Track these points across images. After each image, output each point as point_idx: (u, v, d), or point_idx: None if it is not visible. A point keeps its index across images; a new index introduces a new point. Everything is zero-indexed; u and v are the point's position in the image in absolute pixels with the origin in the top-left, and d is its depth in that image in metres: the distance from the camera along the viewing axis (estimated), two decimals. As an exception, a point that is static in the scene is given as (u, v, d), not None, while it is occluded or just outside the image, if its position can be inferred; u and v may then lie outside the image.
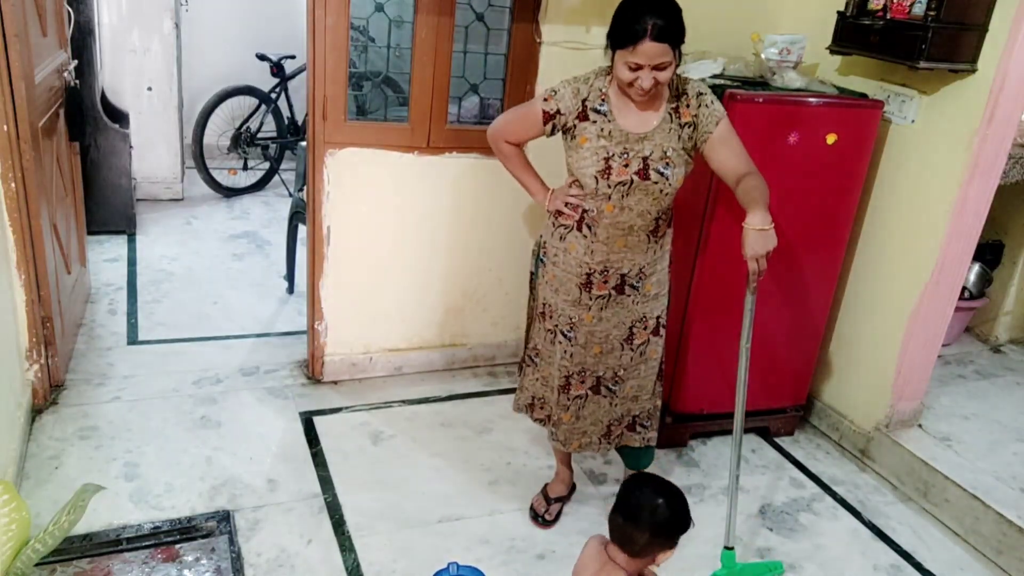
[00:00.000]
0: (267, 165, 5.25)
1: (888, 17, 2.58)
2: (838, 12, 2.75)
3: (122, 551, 2.16)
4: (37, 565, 1.69)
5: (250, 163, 5.24)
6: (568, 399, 2.31)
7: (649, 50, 1.88)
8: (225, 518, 2.33)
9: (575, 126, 2.08)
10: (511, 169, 2.31)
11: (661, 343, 2.31)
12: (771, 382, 2.99)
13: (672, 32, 1.90)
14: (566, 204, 2.16)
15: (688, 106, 2.08)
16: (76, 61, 3.42)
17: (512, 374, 3.34)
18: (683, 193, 2.80)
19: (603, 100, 2.06)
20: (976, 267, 3.65)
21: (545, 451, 2.84)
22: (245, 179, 5.21)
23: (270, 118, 5.12)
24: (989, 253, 3.72)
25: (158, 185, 4.86)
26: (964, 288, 3.53)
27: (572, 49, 2.95)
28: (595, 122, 2.06)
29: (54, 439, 2.59)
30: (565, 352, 2.26)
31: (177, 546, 2.20)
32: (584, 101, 2.06)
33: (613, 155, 2.05)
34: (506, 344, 3.37)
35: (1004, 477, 2.70)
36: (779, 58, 2.71)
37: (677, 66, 1.97)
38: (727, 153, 2.10)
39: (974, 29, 2.47)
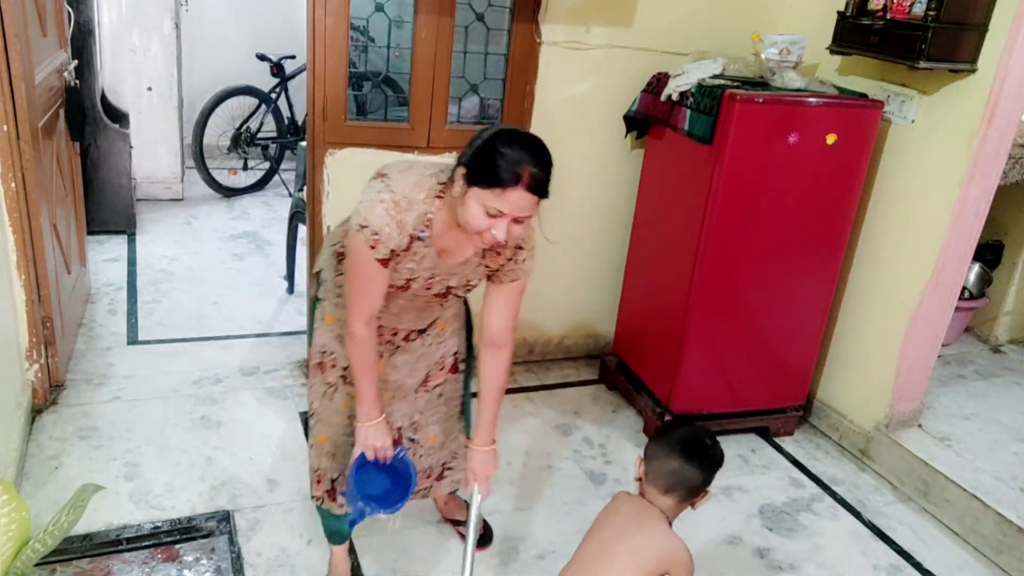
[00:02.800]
0: (267, 165, 5.25)
1: (888, 17, 2.58)
2: (838, 12, 2.75)
3: (122, 551, 2.16)
4: (37, 565, 1.69)
5: (250, 163, 5.24)
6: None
7: (519, 200, 1.60)
8: (225, 518, 2.33)
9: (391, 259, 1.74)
10: (365, 369, 1.82)
11: (461, 380, 2.11)
12: (771, 382, 2.99)
13: (546, 185, 1.66)
14: (374, 448, 1.86)
15: (499, 254, 1.82)
16: (76, 61, 3.42)
17: (512, 374, 3.33)
18: (682, 193, 2.82)
19: (426, 227, 1.73)
20: (976, 267, 3.65)
21: (545, 451, 2.85)
22: (245, 179, 5.21)
23: (270, 118, 5.12)
24: (989, 253, 3.72)
25: (158, 185, 4.86)
26: (964, 288, 3.53)
27: (572, 49, 2.95)
28: (415, 253, 1.75)
29: (54, 439, 2.59)
30: (351, 407, 1.94)
31: (177, 546, 2.20)
32: (411, 233, 1.72)
33: (418, 277, 1.79)
34: (506, 344, 3.37)
35: (1004, 477, 2.70)
36: (779, 58, 2.71)
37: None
38: (502, 305, 1.89)
39: (974, 29, 2.47)
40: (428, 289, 1.83)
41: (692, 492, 1.77)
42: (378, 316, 1.83)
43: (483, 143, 1.63)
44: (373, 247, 1.68)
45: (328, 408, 1.98)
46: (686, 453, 1.76)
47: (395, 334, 1.94)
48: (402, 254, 1.73)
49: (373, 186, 1.73)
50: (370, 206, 1.68)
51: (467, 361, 2.13)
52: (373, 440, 1.86)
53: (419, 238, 1.73)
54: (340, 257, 1.90)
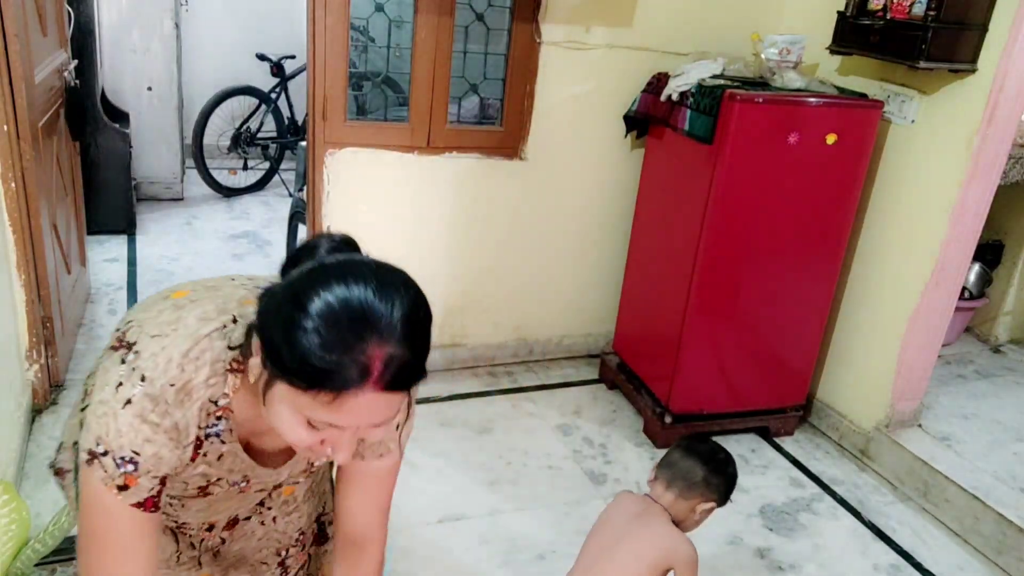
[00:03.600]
0: (267, 165, 5.25)
1: (888, 17, 2.58)
2: (838, 12, 2.75)
3: (122, 551, 2.15)
4: (37, 565, 1.69)
5: (250, 163, 5.24)
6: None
7: (368, 407, 0.95)
8: (225, 518, 2.33)
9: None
10: None
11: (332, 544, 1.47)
12: (771, 382, 2.99)
13: (417, 371, 1.01)
14: None
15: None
16: (76, 61, 3.42)
17: (512, 374, 3.34)
18: (682, 192, 2.82)
19: (219, 417, 1.08)
20: (976, 267, 3.65)
21: (545, 451, 2.85)
22: (245, 179, 5.21)
23: (270, 118, 5.12)
24: (989, 253, 3.72)
25: (158, 185, 4.86)
26: (964, 288, 3.53)
27: (572, 49, 2.95)
28: (205, 455, 1.11)
29: (54, 439, 2.59)
30: None
31: (177, 546, 2.19)
32: (200, 435, 1.07)
33: (220, 480, 1.17)
34: (506, 344, 3.37)
35: (1004, 477, 2.70)
36: (779, 58, 2.71)
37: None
38: (367, 492, 1.27)
39: (974, 29, 2.47)
40: (242, 492, 1.23)
41: (691, 487, 1.78)
42: (179, 521, 1.24)
43: (289, 303, 0.93)
44: (124, 487, 1.00)
45: None
46: (689, 446, 1.83)
47: (210, 528, 1.30)
48: (184, 468, 1.09)
49: (112, 372, 1.03)
50: (109, 416, 1.00)
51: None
52: None
53: (211, 435, 1.09)
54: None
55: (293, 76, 5.15)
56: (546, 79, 2.97)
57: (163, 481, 1.04)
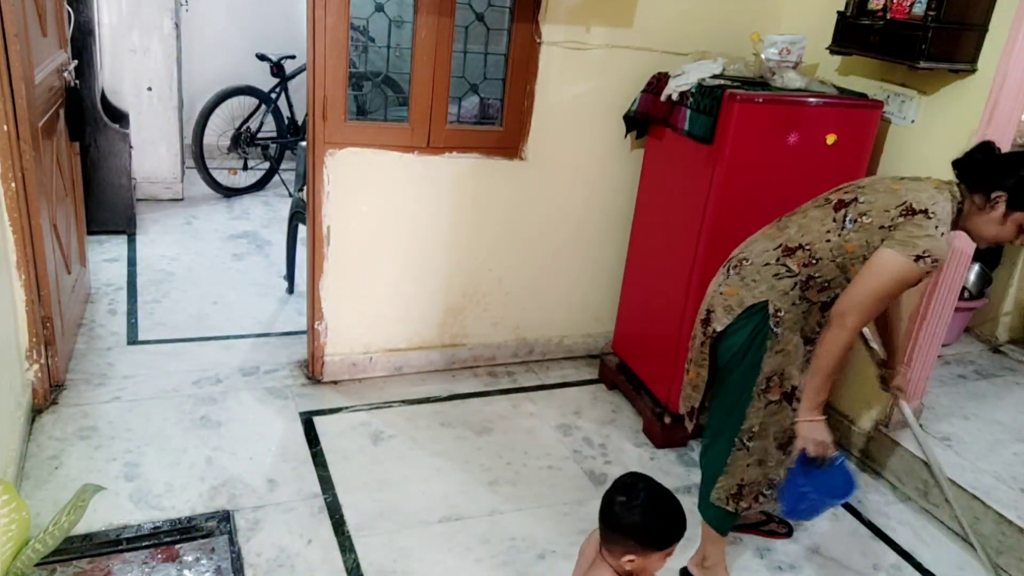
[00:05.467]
0: (267, 165, 5.25)
1: (888, 17, 2.58)
2: (838, 12, 2.75)
3: (122, 551, 2.16)
4: (37, 565, 1.69)
5: (250, 163, 5.24)
6: (783, 456, 2.19)
7: None
8: (225, 518, 2.33)
9: None
10: (837, 368, 2.03)
11: None
12: (771, 382, 2.99)
13: None
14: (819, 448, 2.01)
15: None
16: (76, 61, 3.42)
17: (512, 374, 3.34)
18: (682, 192, 2.81)
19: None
20: (976, 267, 3.65)
21: (545, 451, 2.85)
22: (245, 179, 5.21)
23: (270, 118, 5.12)
24: (989, 253, 3.72)
25: (158, 185, 4.86)
26: (964, 288, 3.53)
27: (572, 49, 2.95)
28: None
29: (54, 439, 2.59)
30: (791, 417, 2.12)
31: (177, 546, 2.20)
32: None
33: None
34: (506, 344, 3.38)
35: (1004, 477, 2.70)
36: (779, 58, 2.71)
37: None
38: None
39: (974, 29, 2.47)
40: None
41: (608, 544, 1.65)
42: (812, 326, 2.08)
43: None
44: (929, 272, 1.91)
45: (767, 423, 2.13)
46: (603, 499, 1.68)
47: (815, 330, 2.12)
48: None
49: (926, 223, 1.91)
50: (932, 240, 1.89)
51: None
52: (821, 435, 2.00)
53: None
54: (805, 286, 2.05)
55: (293, 76, 5.16)
56: (546, 79, 2.97)
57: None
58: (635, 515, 1.62)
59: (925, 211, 1.91)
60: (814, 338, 2.08)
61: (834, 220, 2.03)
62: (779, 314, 2.06)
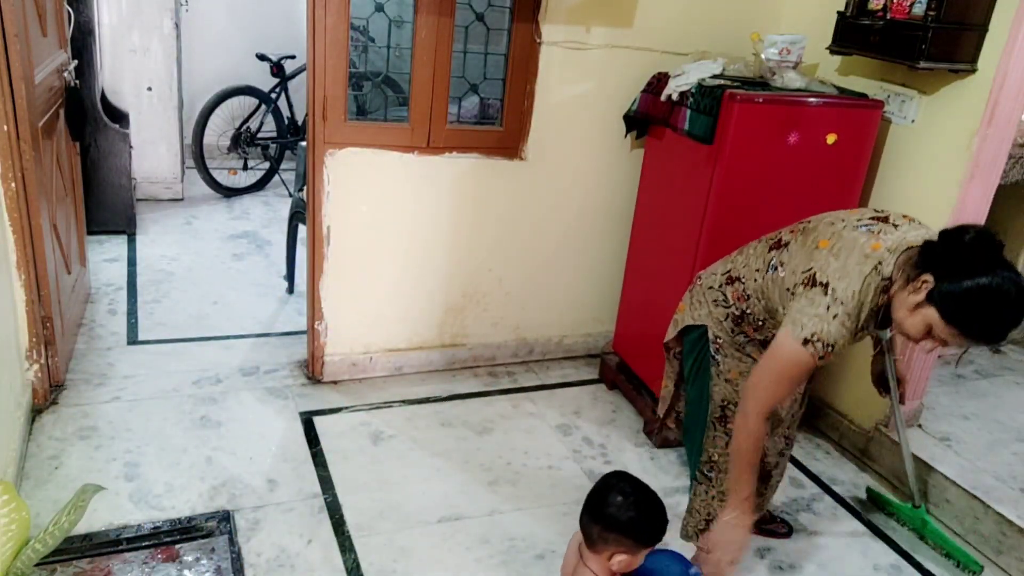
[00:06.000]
0: (267, 165, 5.25)
1: (888, 17, 2.58)
2: (838, 12, 2.75)
3: (122, 551, 2.16)
4: (37, 565, 1.69)
5: (250, 163, 5.24)
6: (766, 488, 2.16)
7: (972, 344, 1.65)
8: (225, 518, 2.33)
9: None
10: (754, 463, 1.87)
11: None
12: (771, 382, 2.99)
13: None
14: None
15: None
16: (76, 61, 3.42)
17: (512, 374, 3.34)
18: (682, 192, 2.81)
19: (873, 319, 1.76)
20: (976, 267, 3.64)
21: (545, 451, 2.85)
22: (245, 179, 5.21)
23: (270, 118, 5.12)
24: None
25: (158, 185, 4.86)
26: (964, 288, 3.52)
27: (572, 49, 2.95)
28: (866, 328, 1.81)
29: (54, 439, 2.59)
30: (765, 448, 2.06)
31: (177, 546, 2.20)
32: (860, 328, 1.75)
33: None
34: (506, 344, 3.38)
35: (1004, 477, 2.70)
36: (779, 58, 2.71)
37: None
38: None
39: (974, 29, 2.47)
40: None
41: (597, 544, 1.68)
42: None
43: (975, 288, 1.54)
44: (823, 356, 1.70)
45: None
46: (587, 499, 1.71)
47: None
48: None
49: (818, 300, 1.70)
50: (821, 322, 1.68)
51: None
52: (737, 542, 1.83)
53: (866, 329, 1.76)
54: (736, 320, 1.94)
55: (293, 76, 5.16)
56: (546, 79, 2.97)
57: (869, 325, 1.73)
58: (632, 513, 1.65)
59: (825, 285, 1.70)
60: None
61: (764, 260, 1.91)
62: (717, 340, 1.99)
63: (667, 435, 2.92)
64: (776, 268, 1.85)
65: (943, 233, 1.64)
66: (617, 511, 1.65)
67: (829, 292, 1.69)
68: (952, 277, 1.56)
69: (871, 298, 1.69)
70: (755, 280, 1.90)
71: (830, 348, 1.68)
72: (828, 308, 1.68)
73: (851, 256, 1.71)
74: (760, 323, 1.90)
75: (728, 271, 2.00)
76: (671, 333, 2.12)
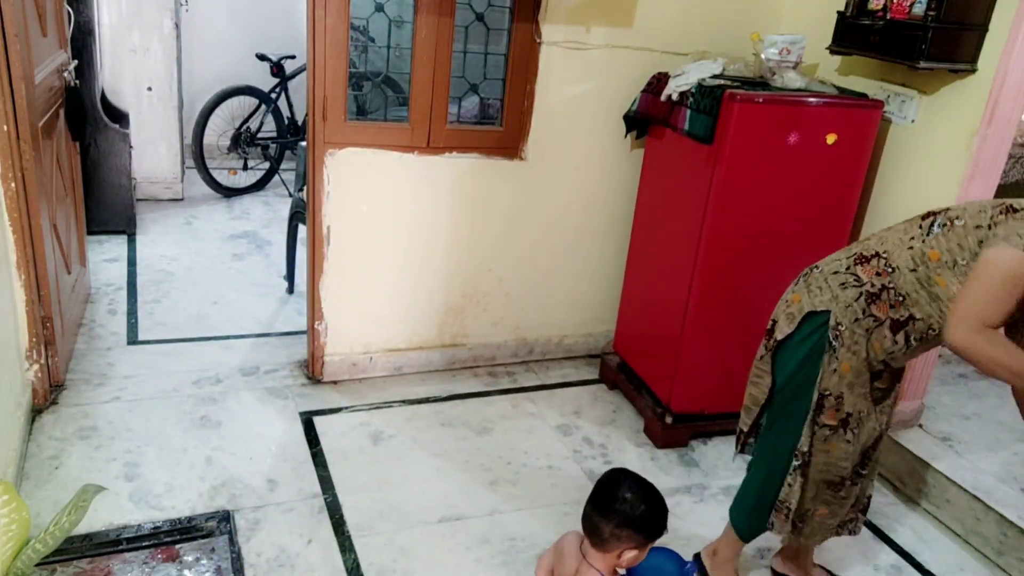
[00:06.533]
0: (267, 165, 5.25)
1: (888, 17, 2.58)
2: (838, 12, 2.75)
3: (122, 551, 2.16)
4: (37, 565, 1.69)
5: (250, 163, 5.24)
6: (835, 496, 2.07)
7: None
8: (225, 518, 2.33)
9: None
10: (1017, 360, 1.73)
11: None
12: (771, 382, 2.99)
13: None
14: None
15: None
16: (76, 61, 3.42)
17: (512, 374, 3.34)
18: (682, 192, 2.81)
19: None
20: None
21: (545, 451, 2.85)
22: (245, 179, 5.21)
23: (270, 118, 5.12)
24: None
25: (158, 185, 4.86)
26: (964, 288, 3.52)
27: (572, 49, 2.95)
28: None
29: (54, 439, 2.59)
30: (845, 451, 2.00)
31: (177, 546, 2.20)
32: None
33: None
34: (506, 344, 3.37)
35: (1005, 477, 2.70)
36: (779, 58, 2.71)
37: None
38: None
39: (974, 29, 2.47)
40: None
41: (609, 543, 1.68)
42: (899, 358, 1.87)
43: None
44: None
45: (816, 448, 1.99)
46: (594, 497, 1.71)
47: (892, 376, 1.96)
48: None
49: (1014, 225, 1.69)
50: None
51: None
52: None
53: None
54: (871, 299, 1.87)
55: (293, 76, 5.16)
56: (546, 79, 2.97)
57: None
58: (643, 508, 1.68)
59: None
60: (880, 370, 1.93)
61: (920, 227, 1.88)
62: (839, 327, 1.90)
63: (670, 432, 2.92)
64: (945, 225, 1.81)
65: None
66: (630, 507, 1.67)
67: None
68: None
69: None
70: (909, 248, 1.85)
71: None
72: None
73: None
74: (901, 298, 1.84)
75: (857, 253, 1.95)
76: (787, 328, 1.99)
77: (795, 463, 2.04)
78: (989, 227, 1.73)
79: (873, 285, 1.88)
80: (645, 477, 1.76)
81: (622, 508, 1.67)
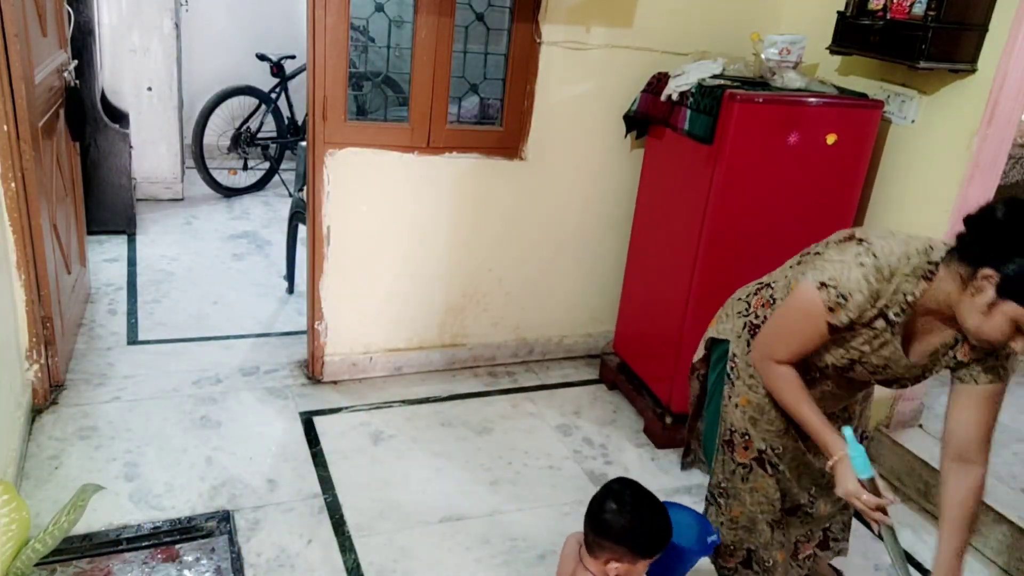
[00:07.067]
0: (267, 165, 5.25)
1: (888, 17, 2.58)
2: (838, 12, 2.75)
3: (122, 551, 2.16)
4: (37, 565, 1.69)
5: (250, 163, 5.24)
6: (784, 537, 1.96)
7: None
8: (225, 518, 2.33)
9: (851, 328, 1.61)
10: (799, 398, 1.68)
11: None
12: (771, 382, 2.99)
13: None
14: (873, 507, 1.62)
15: (973, 348, 1.59)
16: (76, 61, 3.42)
17: (512, 374, 3.34)
18: (682, 192, 2.81)
19: (902, 310, 1.55)
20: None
21: (545, 451, 2.85)
22: (245, 179, 5.21)
23: (270, 118, 5.12)
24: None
25: (158, 185, 4.86)
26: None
27: (572, 49, 2.95)
28: (873, 329, 1.59)
29: (54, 439, 2.59)
30: (764, 488, 1.89)
31: (177, 546, 2.20)
32: (882, 308, 1.56)
33: (866, 363, 1.65)
34: (506, 344, 3.38)
35: (1004, 477, 2.70)
36: (779, 58, 2.71)
37: None
38: (973, 411, 1.61)
39: (974, 29, 2.47)
40: (872, 373, 1.67)
41: (593, 548, 1.66)
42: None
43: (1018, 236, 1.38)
44: (832, 310, 1.55)
45: (740, 488, 1.92)
46: (589, 504, 1.69)
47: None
48: (859, 329, 1.59)
49: (848, 248, 1.58)
50: (844, 267, 1.54)
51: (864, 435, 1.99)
52: (842, 483, 1.62)
53: (887, 319, 1.56)
54: (754, 330, 1.80)
55: (293, 76, 5.16)
56: (546, 79, 2.97)
57: (849, 324, 1.56)
58: (625, 522, 1.62)
59: (861, 240, 1.58)
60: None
61: (798, 257, 1.79)
62: (734, 358, 1.86)
63: (670, 432, 2.92)
64: (809, 252, 1.73)
65: (971, 220, 1.47)
66: (612, 518, 1.64)
67: (864, 245, 1.55)
68: (1011, 258, 1.38)
69: (907, 275, 1.52)
70: (785, 277, 1.78)
71: (842, 300, 1.52)
72: (856, 256, 1.53)
73: (898, 235, 1.59)
74: None
75: (762, 280, 1.90)
76: (699, 352, 2.00)
77: (719, 499, 1.98)
78: (821, 254, 1.64)
79: (757, 316, 1.82)
80: (645, 480, 1.74)
81: (604, 518, 1.64)
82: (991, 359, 1.58)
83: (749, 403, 1.84)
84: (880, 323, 1.57)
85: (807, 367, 1.73)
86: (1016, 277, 1.38)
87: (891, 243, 1.56)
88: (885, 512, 1.60)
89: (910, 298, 1.53)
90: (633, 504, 1.66)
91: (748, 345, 1.82)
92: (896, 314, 1.55)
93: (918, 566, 2.49)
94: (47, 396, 2.75)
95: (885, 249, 1.54)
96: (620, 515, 1.64)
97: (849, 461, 1.60)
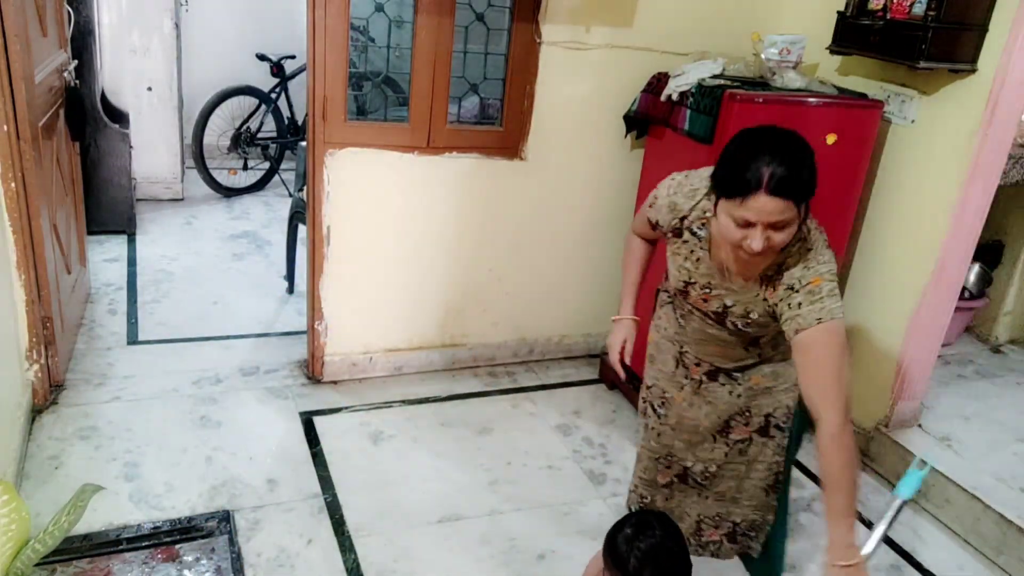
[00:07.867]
0: (267, 165, 5.25)
1: (888, 17, 2.58)
2: (838, 12, 2.75)
3: (122, 551, 2.16)
4: (37, 565, 1.69)
5: (250, 163, 5.24)
6: (655, 486, 2.10)
7: (763, 206, 1.50)
8: (225, 518, 2.33)
9: (669, 238, 1.84)
10: (624, 262, 2.12)
11: (773, 447, 1.96)
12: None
13: (793, 185, 1.50)
14: (620, 351, 2.01)
15: (775, 289, 1.66)
16: (76, 61, 3.42)
17: (512, 374, 3.34)
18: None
19: (703, 224, 1.75)
20: (976, 267, 3.65)
21: (545, 451, 2.85)
22: (245, 179, 5.21)
23: (270, 118, 5.12)
24: (989, 253, 3.72)
25: (158, 185, 4.86)
26: (964, 288, 3.53)
27: (572, 49, 2.95)
28: (687, 242, 1.79)
29: (54, 439, 2.59)
30: (653, 431, 2.06)
31: (177, 546, 2.20)
32: (682, 219, 1.78)
33: (695, 283, 1.81)
34: (506, 344, 3.38)
35: (1004, 477, 2.70)
36: (779, 58, 2.71)
37: (802, 222, 1.59)
38: (802, 367, 1.65)
39: (974, 29, 2.47)
40: (705, 302, 1.80)
41: (606, 568, 1.62)
42: (681, 340, 1.95)
43: (724, 152, 1.60)
44: (650, 206, 1.88)
45: (639, 422, 2.17)
46: (609, 532, 1.64)
47: (698, 364, 1.95)
48: (670, 236, 1.83)
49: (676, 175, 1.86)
50: (671, 179, 1.84)
51: (788, 433, 1.95)
52: (613, 336, 2.03)
53: (693, 232, 1.77)
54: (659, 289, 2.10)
55: (293, 76, 5.15)
56: (546, 79, 2.97)
57: (657, 222, 1.86)
58: (633, 558, 1.55)
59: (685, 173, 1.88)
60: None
61: None
62: (658, 294, 2.15)
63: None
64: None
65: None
66: (620, 546, 1.57)
67: (698, 169, 1.82)
68: (721, 163, 1.62)
69: (707, 194, 1.72)
70: None
71: (654, 200, 1.87)
72: (683, 175, 1.83)
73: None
74: None
75: None
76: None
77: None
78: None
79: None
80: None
81: (617, 542, 1.58)
82: (784, 305, 1.63)
83: (651, 341, 2.05)
84: (688, 236, 1.78)
85: (678, 302, 1.94)
86: (717, 175, 1.60)
87: (703, 173, 1.78)
88: None
89: (709, 214, 1.70)
90: (651, 543, 1.57)
91: (666, 277, 1.99)
92: (699, 227, 1.76)
93: (918, 566, 2.49)
94: (47, 396, 2.75)
95: (702, 173, 1.77)
96: (629, 550, 1.56)
97: (618, 325, 2.07)
